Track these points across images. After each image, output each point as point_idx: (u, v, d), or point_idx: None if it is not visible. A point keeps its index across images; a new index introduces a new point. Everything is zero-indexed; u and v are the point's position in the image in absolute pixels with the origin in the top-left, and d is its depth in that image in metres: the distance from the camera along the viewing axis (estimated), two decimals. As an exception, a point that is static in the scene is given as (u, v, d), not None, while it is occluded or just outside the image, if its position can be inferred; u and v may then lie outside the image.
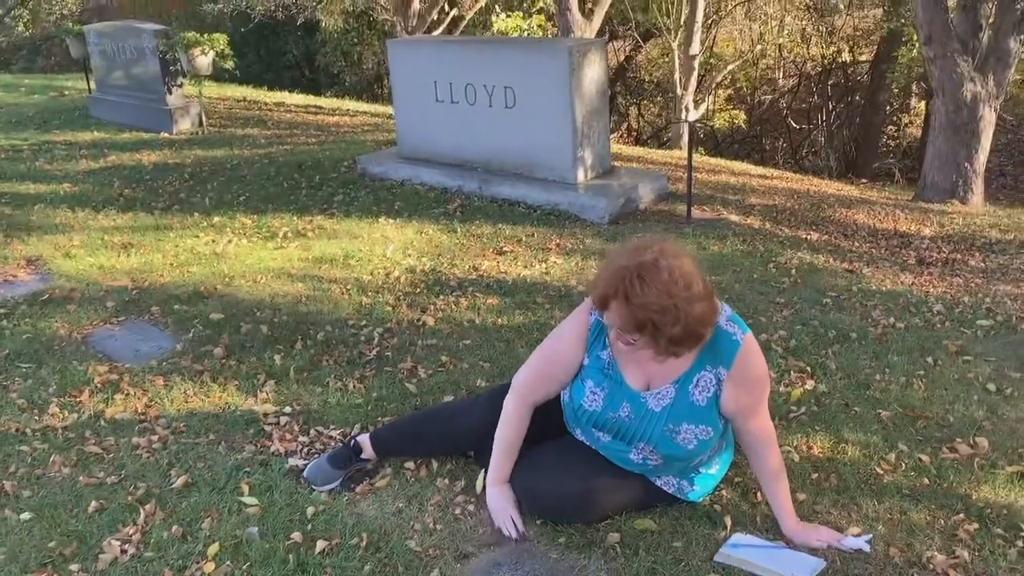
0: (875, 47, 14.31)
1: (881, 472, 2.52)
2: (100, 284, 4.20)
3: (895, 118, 15.36)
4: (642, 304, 1.99)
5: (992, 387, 2.99)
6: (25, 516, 2.43)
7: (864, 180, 10.51)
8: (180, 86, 7.89)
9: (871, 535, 2.23)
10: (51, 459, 2.71)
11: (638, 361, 2.23)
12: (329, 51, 14.26)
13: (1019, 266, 4.39)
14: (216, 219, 5.24)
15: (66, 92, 10.52)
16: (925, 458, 2.58)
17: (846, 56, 14.89)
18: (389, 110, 9.82)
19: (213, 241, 4.83)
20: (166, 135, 7.74)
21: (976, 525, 2.26)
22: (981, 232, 5.02)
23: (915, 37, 11.20)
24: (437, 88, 5.58)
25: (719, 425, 2.24)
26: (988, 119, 5.95)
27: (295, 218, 5.21)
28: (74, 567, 2.21)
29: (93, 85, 8.94)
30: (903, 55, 12.52)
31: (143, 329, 3.71)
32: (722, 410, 2.21)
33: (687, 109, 10.99)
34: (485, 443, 2.54)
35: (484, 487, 2.45)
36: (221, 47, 7.52)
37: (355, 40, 13.80)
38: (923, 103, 14.58)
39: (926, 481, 2.47)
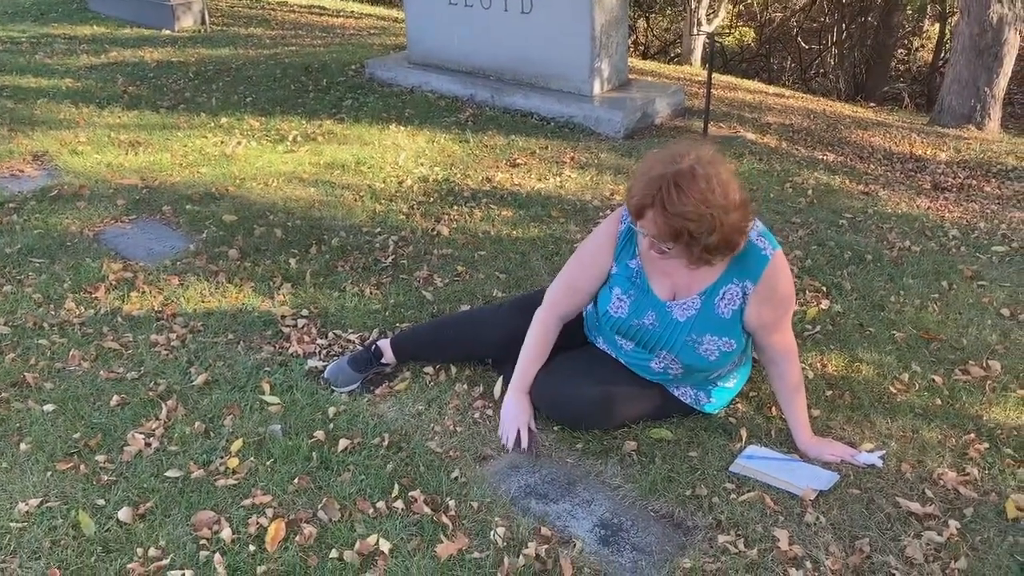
0: (894, -35, 13.89)
1: (894, 391, 2.55)
2: (109, 182, 4.15)
3: (906, 41, 15.03)
4: (679, 212, 1.97)
5: (1006, 312, 3.01)
6: (48, 407, 2.46)
7: (873, 104, 10.35)
8: (182, -19, 7.64)
9: (884, 451, 2.28)
10: (70, 353, 2.73)
11: (666, 271, 2.23)
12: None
13: (1034, 194, 4.36)
14: (224, 120, 5.14)
15: (61, -16, 10.19)
16: (938, 379, 2.61)
17: (863, -27, 14.46)
18: (395, 13, 9.56)
19: (222, 142, 4.75)
20: (168, 32, 7.53)
21: (986, 445, 2.31)
22: (997, 158, 4.97)
23: (938, -44, 10.88)
24: (451, -9, 5.41)
25: (742, 339, 2.25)
26: (1012, 42, 5.82)
27: (304, 122, 5.12)
28: (100, 458, 2.25)
29: (91, -23, 8.65)
30: (922, -25, 12.17)
31: (155, 228, 3.68)
32: (745, 324, 2.22)
33: (700, 23, 10.71)
34: (504, 352, 2.56)
35: (502, 393, 2.48)
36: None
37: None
38: (936, 26, 14.26)
39: (938, 401, 2.51)
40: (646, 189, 2.01)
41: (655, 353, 2.28)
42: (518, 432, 2.31)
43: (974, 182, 4.53)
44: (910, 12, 13.85)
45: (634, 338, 2.29)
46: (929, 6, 13.40)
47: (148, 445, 2.30)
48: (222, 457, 2.26)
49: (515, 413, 2.35)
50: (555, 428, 2.38)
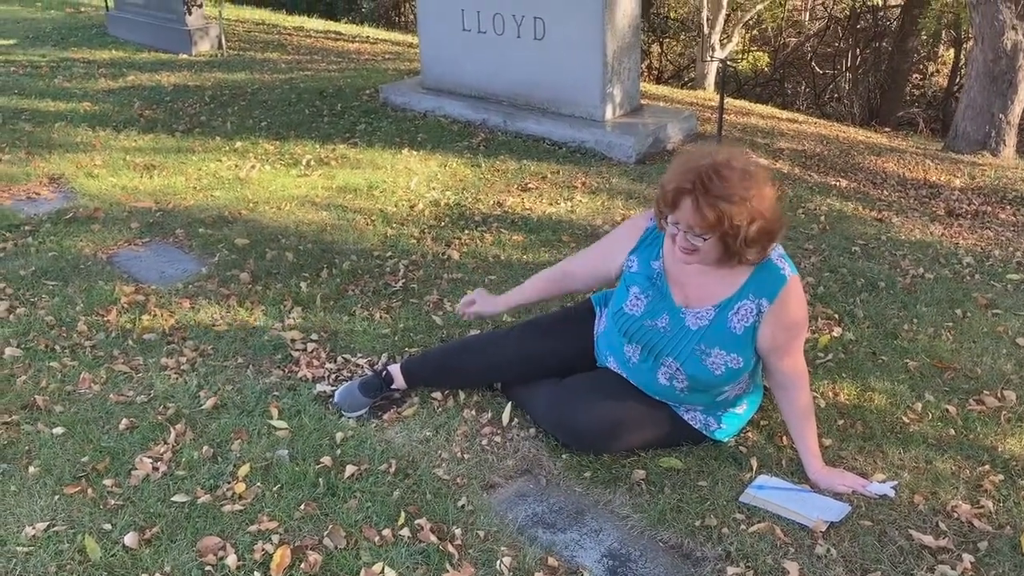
0: (908, -10, 13.91)
1: (907, 421, 2.52)
2: (124, 204, 4.19)
3: (921, 66, 15.03)
4: (721, 195, 1.99)
5: (1021, 341, 2.98)
6: (58, 430, 2.46)
7: (887, 129, 10.33)
8: (200, 6, 7.73)
9: (896, 482, 2.25)
10: (81, 376, 2.74)
11: (685, 280, 2.24)
12: (348, -25, 13.95)
13: (1050, 221, 4.33)
14: (238, 144, 5.19)
15: (82, 9, 10.35)
16: (952, 409, 2.58)
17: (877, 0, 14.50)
18: (410, 38, 9.65)
19: (236, 166, 4.79)
20: (185, 56, 7.63)
21: (1001, 477, 2.27)
22: (1012, 185, 4.94)
23: (952, -18, 10.89)
24: (464, 16, 5.45)
25: (751, 359, 2.24)
26: (1026, 69, 5.80)
27: (318, 146, 5.16)
28: (108, 482, 2.25)
29: (111, 3, 8.78)
30: (936, 0, 12.17)
31: (168, 251, 3.70)
32: (758, 345, 2.21)
33: (713, 48, 10.75)
34: (515, 377, 2.56)
35: (511, 420, 2.49)
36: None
37: (375, -35, 13.49)
38: (951, 51, 14.25)
39: (952, 432, 2.47)
40: (685, 175, 2.04)
41: (661, 361, 2.26)
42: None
43: (989, 209, 4.50)
44: (925, 38, 13.87)
45: (642, 341, 2.27)
46: (944, 32, 13.41)
47: (156, 469, 2.30)
48: (229, 482, 2.26)
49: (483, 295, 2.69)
50: (563, 455, 2.37)
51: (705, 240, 2.07)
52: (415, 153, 5.03)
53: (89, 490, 2.22)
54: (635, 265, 2.33)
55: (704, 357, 2.21)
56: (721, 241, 2.07)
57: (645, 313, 2.27)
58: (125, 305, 3.19)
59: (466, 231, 3.91)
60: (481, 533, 2.09)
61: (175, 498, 2.19)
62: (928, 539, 2.05)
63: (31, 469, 2.29)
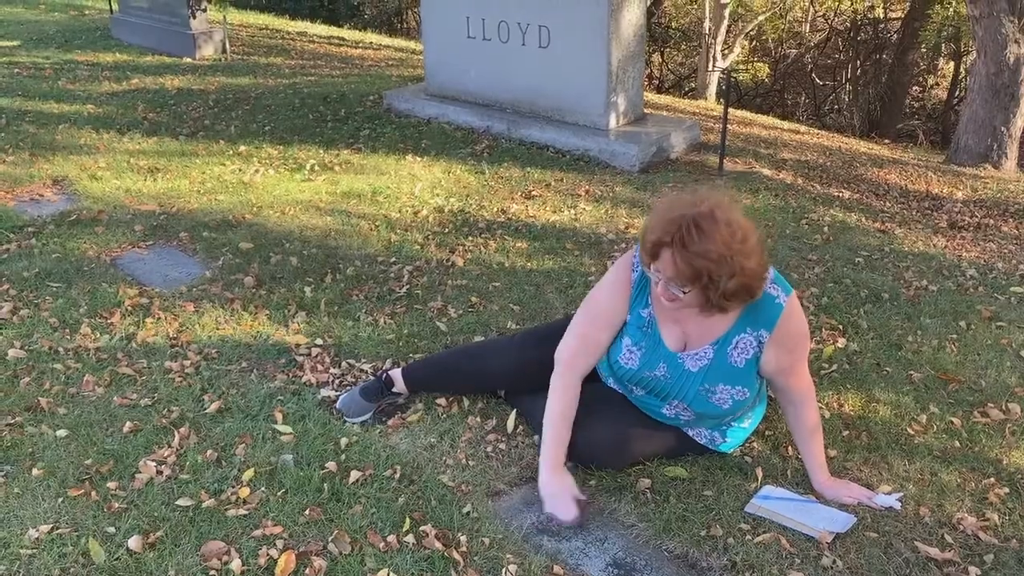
0: (908, 3, 13.97)
1: (912, 433, 2.52)
2: (127, 207, 4.19)
3: (921, 79, 15.06)
4: (700, 252, 1.95)
5: (1025, 354, 2.98)
6: (61, 433, 2.46)
7: (887, 141, 10.36)
8: (204, 10, 7.75)
9: (902, 493, 2.24)
10: (84, 378, 2.73)
11: (677, 320, 2.21)
12: (351, -19, 13.99)
13: (1052, 235, 4.33)
14: (242, 148, 5.19)
15: (86, 11, 10.36)
16: (956, 421, 2.58)
17: (879, 11, 14.56)
18: (412, 45, 9.67)
19: (240, 170, 4.79)
20: (189, 60, 7.64)
21: (1007, 489, 2.27)
22: (1015, 198, 4.95)
23: (953, -5, 10.93)
24: (469, 24, 5.47)
25: (755, 386, 2.24)
26: (1028, 83, 5.82)
27: (321, 151, 5.16)
28: (111, 484, 2.24)
29: (115, 6, 8.79)
30: (937, 13, 12.22)
31: (172, 254, 3.70)
32: (762, 370, 2.20)
33: (715, 58, 10.79)
34: (516, 384, 2.55)
35: (515, 426, 2.47)
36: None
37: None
38: (951, 64, 14.29)
39: (957, 444, 2.47)
40: (665, 227, 1.98)
41: (667, 401, 2.26)
42: (574, 501, 2.16)
43: (991, 221, 4.50)
44: (925, 51, 13.91)
45: (646, 387, 2.27)
46: (944, 45, 13.45)
47: (160, 473, 2.30)
48: (233, 486, 2.25)
49: (556, 490, 2.17)
50: (568, 465, 2.36)
51: (686, 292, 2.05)
52: (419, 159, 5.03)
53: (93, 493, 2.21)
54: (628, 316, 2.29)
55: (710, 395, 2.20)
56: (702, 293, 2.04)
57: (642, 365, 2.23)
58: (129, 308, 3.19)
59: (470, 238, 3.91)
60: (486, 540, 2.08)
61: (179, 502, 2.18)
62: (934, 551, 2.04)
63: (35, 471, 2.29)
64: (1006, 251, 4.01)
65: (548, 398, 2.27)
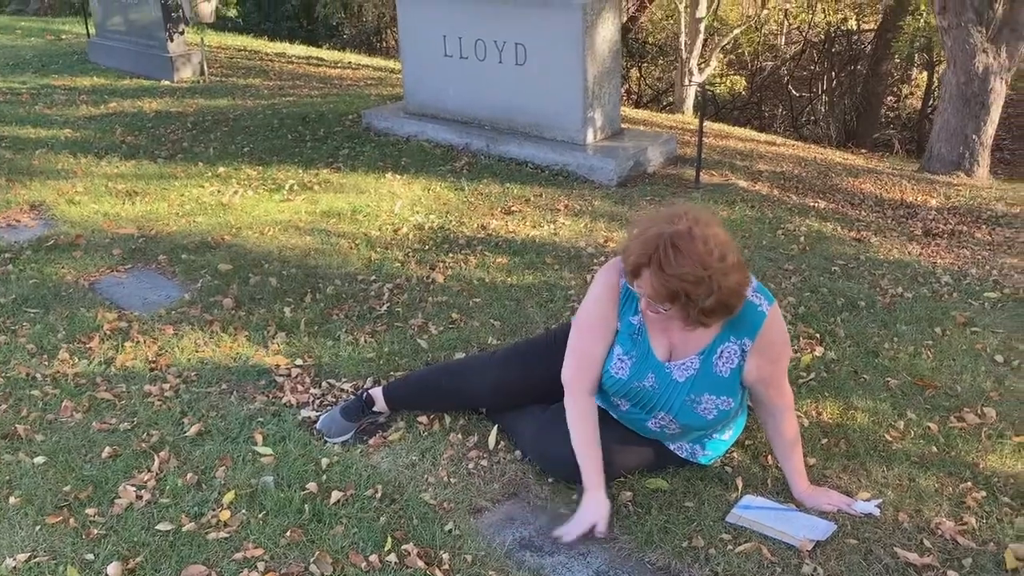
0: (881, 15, 14.17)
1: (890, 439, 2.54)
2: (105, 231, 4.17)
3: (895, 89, 15.26)
4: (676, 274, 1.95)
5: (1000, 358, 3.02)
6: (39, 460, 2.44)
7: (864, 150, 10.48)
8: (182, 33, 7.75)
9: (881, 500, 2.26)
10: (63, 404, 2.71)
11: (665, 329, 2.22)
12: (329, 1, 14.02)
13: (1025, 240, 4.40)
14: (221, 169, 5.19)
15: (63, 36, 10.33)
16: (933, 426, 2.60)
17: (852, 24, 14.75)
18: (391, 64, 9.70)
19: (219, 192, 4.79)
20: (167, 83, 7.63)
21: (984, 493, 2.30)
22: (987, 205, 5.01)
23: (923, 5, 11.10)
24: (446, 43, 5.50)
25: (739, 396, 2.25)
26: (998, 91, 5.91)
27: (301, 171, 5.17)
28: (90, 511, 2.22)
29: (92, 30, 8.78)
30: (909, 24, 12.40)
31: (151, 278, 3.69)
32: (744, 380, 2.22)
33: (691, 72, 10.88)
34: (497, 402, 2.56)
35: (497, 443, 2.48)
36: (224, -6, 7.38)
37: (356, -9, 13.60)
38: (924, 74, 14.48)
39: (934, 449, 2.50)
40: (643, 249, 1.99)
41: (652, 414, 2.27)
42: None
43: (965, 228, 4.56)
44: (898, 61, 14.09)
45: (632, 399, 2.27)
46: (916, 55, 13.63)
47: (139, 498, 2.28)
48: (214, 509, 2.24)
49: (598, 511, 2.17)
50: (550, 479, 2.37)
51: (666, 309, 2.07)
52: (398, 177, 5.05)
53: (71, 520, 2.19)
54: (619, 324, 2.30)
55: (695, 405, 2.21)
56: (682, 310, 2.04)
57: (632, 375, 2.24)
58: (107, 332, 3.17)
59: (450, 254, 3.92)
60: (469, 557, 2.08)
61: (159, 526, 2.17)
62: (913, 556, 2.06)
63: (12, 499, 2.27)
64: (979, 257, 4.07)
65: (569, 427, 2.25)
